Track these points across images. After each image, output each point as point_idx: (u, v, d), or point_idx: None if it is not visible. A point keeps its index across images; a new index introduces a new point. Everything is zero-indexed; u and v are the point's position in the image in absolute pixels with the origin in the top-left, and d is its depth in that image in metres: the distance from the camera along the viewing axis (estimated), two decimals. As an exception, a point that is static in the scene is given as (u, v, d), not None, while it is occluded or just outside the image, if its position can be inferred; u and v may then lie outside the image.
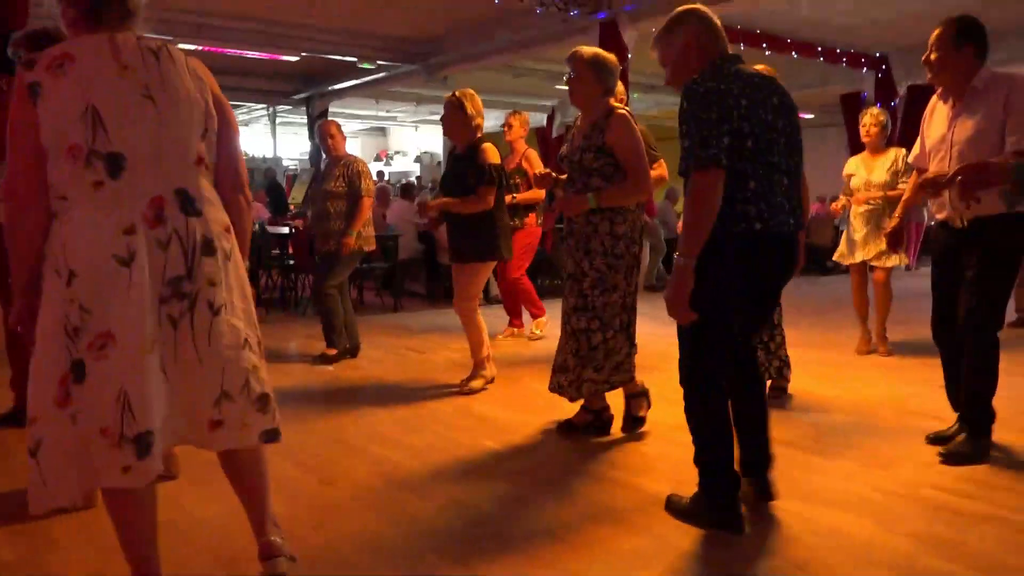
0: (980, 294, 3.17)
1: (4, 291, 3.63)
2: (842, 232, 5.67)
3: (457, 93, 4.37)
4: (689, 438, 2.63)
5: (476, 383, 4.46)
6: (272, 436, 2.10)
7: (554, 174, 3.55)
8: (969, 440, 3.22)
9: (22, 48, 3.09)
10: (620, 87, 4.69)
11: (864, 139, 5.34)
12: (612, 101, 3.46)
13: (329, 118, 7.15)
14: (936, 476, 3.01)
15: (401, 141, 21.85)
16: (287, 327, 6.84)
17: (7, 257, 3.11)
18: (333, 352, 5.30)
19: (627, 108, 3.48)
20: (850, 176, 5.40)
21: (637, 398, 3.67)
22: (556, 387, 3.54)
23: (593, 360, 3.40)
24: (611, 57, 3.46)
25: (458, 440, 3.54)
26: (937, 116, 3.34)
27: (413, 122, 19.98)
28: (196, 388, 1.94)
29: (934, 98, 3.39)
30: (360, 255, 5.39)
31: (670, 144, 2.58)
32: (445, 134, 4.59)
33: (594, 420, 3.61)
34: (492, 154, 4.29)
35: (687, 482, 2.81)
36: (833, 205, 5.53)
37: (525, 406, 4.10)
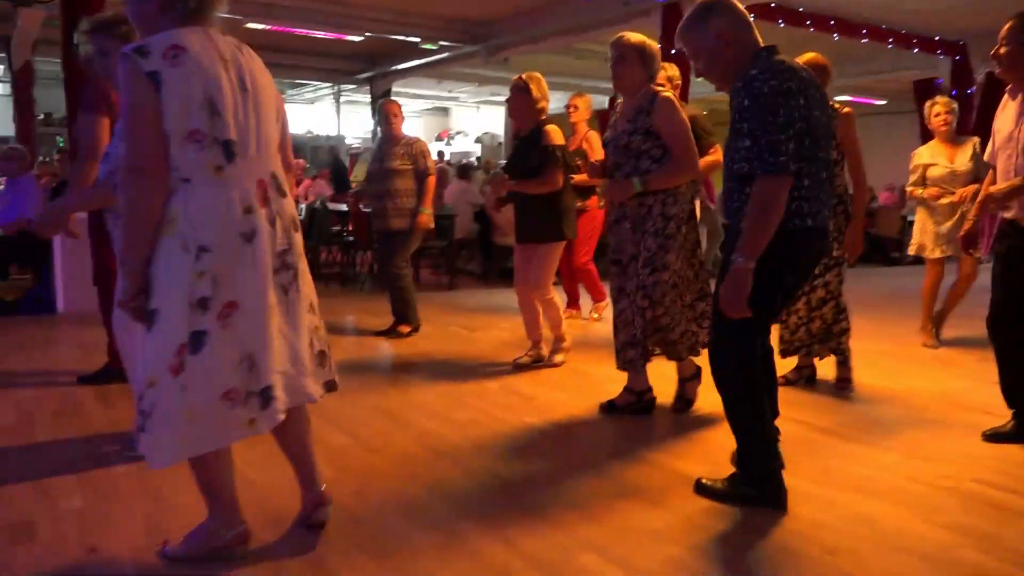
0: None
1: (103, 271, 3.92)
2: (911, 222, 5.46)
3: (524, 76, 4.44)
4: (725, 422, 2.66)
5: (559, 356, 4.62)
6: (332, 386, 2.35)
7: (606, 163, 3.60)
8: None
9: (100, 35, 3.19)
10: (676, 71, 4.68)
11: (940, 128, 5.12)
12: (656, 86, 3.49)
13: (392, 98, 7.30)
14: (980, 470, 2.97)
15: (462, 121, 21.99)
16: (344, 302, 7.03)
17: (105, 241, 3.35)
18: (407, 329, 5.44)
19: (671, 92, 3.48)
20: (926, 166, 5.20)
21: (691, 380, 3.74)
22: (624, 363, 3.59)
23: (650, 336, 3.49)
24: (655, 44, 3.50)
25: (501, 416, 3.62)
26: (1006, 113, 3.26)
27: (475, 102, 20.08)
28: (300, 347, 2.20)
29: (1006, 94, 3.30)
30: (426, 232, 5.52)
31: (725, 128, 2.59)
32: (511, 116, 4.68)
33: (636, 401, 3.65)
34: (556, 135, 4.34)
35: (720, 464, 2.85)
36: (931, 191, 5.18)
37: (570, 387, 4.16)
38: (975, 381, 4.29)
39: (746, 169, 2.41)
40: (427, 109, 21.67)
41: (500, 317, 6.21)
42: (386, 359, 4.89)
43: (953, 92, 10.85)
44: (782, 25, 9.26)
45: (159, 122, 1.94)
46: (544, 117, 4.43)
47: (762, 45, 2.52)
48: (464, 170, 9.88)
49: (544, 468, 2.98)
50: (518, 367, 4.56)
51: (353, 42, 11.91)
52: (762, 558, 2.29)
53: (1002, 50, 3.13)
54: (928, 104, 5.24)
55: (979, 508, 2.64)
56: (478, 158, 17.91)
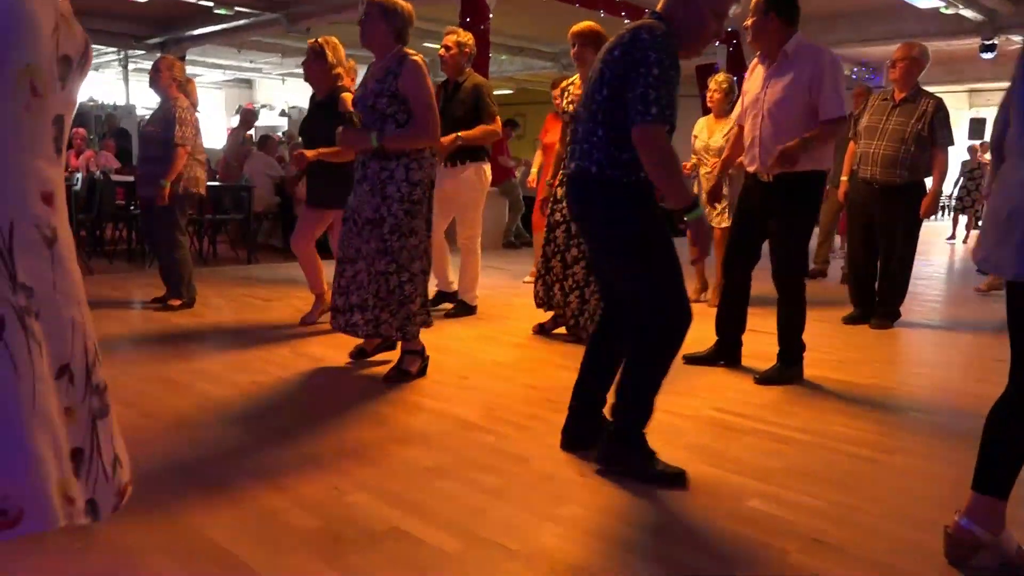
0: (788, 246, 3.58)
1: None
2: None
3: (320, 40, 4.42)
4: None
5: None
6: None
7: (356, 119, 3.59)
8: (781, 367, 3.68)
9: None
10: (469, 38, 4.83)
11: (708, 104, 5.72)
12: (407, 49, 3.49)
13: (168, 55, 6.88)
14: (718, 400, 3.38)
15: (268, 94, 21.13)
16: (132, 278, 6.63)
17: None
18: (178, 303, 5.21)
19: (420, 55, 3.49)
20: (695, 137, 5.77)
21: (413, 355, 3.67)
22: (346, 325, 3.57)
23: (389, 304, 3.47)
24: (404, 4, 3.47)
25: (287, 378, 3.62)
26: (755, 77, 3.70)
27: (280, 75, 19.34)
28: None
29: (755, 59, 3.74)
30: (193, 199, 5.31)
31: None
32: (306, 80, 4.60)
33: (422, 361, 3.73)
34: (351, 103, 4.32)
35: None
36: (685, 164, 5.81)
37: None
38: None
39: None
40: (228, 81, 20.61)
41: (298, 287, 6.11)
42: (168, 331, 4.68)
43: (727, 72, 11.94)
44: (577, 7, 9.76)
45: None
46: (341, 84, 4.42)
47: None
48: (264, 142, 9.55)
49: (328, 422, 3.03)
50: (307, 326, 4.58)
51: (140, 3, 11.08)
52: (520, 484, 2.50)
53: (748, 21, 3.58)
54: (709, 79, 5.80)
55: (712, 430, 3.02)
56: (284, 132, 17.30)
